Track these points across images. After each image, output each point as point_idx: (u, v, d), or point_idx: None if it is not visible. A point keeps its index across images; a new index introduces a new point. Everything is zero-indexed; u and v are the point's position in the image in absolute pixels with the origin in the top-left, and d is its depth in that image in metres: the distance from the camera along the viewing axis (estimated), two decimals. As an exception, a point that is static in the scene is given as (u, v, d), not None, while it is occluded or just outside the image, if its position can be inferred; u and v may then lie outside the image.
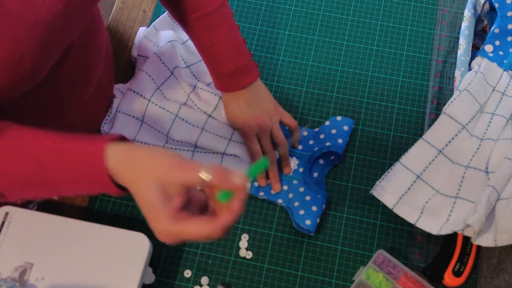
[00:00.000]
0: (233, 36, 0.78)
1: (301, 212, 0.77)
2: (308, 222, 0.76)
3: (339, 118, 0.85)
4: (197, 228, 0.52)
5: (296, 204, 0.78)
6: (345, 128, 0.83)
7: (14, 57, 0.54)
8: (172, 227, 0.51)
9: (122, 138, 0.58)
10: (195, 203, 0.56)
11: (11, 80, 0.55)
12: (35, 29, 0.54)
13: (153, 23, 0.92)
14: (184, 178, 0.52)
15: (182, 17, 0.77)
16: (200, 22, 0.76)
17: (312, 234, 0.78)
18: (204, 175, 0.51)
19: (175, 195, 0.52)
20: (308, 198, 0.78)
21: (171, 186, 0.52)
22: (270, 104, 0.83)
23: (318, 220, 0.77)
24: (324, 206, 0.78)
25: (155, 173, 0.52)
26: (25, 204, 0.79)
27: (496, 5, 0.88)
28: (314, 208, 0.77)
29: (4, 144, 0.56)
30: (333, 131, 0.83)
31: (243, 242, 0.79)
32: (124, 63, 0.92)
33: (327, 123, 0.84)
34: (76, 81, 0.71)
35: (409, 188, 0.77)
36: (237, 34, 0.79)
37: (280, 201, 0.80)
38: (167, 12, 0.92)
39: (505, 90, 0.84)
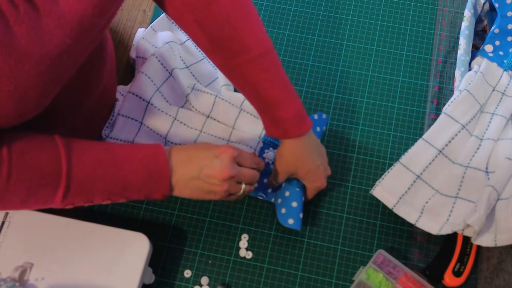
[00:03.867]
0: (287, 78, 0.72)
1: (283, 210, 0.76)
2: (290, 221, 0.75)
3: (315, 116, 0.82)
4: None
5: (279, 201, 0.77)
6: (318, 129, 0.81)
7: (19, 91, 0.54)
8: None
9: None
10: None
11: (16, 111, 0.56)
12: (40, 65, 0.54)
13: (151, 24, 0.92)
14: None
15: (229, 61, 0.68)
16: (255, 63, 0.67)
17: (299, 230, 0.78)
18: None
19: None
20: (287, 193, 0.76)
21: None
22: (322, 148, 0.78)
23: (301, 215, 0.75)
24: (303, 198, 0.76)
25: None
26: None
27: (496, 5, 0.88)
28: (294, 204, 0.75)
29: (98, 149, 0.63)
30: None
31: (243, 242, 0.79)
32: (124, 64, 0.92)
33: None
34: (82, 90, 0.71)
35: (409, 188, 0.77)
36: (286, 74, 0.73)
37: (272, 199, 0.80)
38: (165, 13, 0.92)
39: (505, 90, 0.84)
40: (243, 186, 0.69)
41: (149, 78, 0.84)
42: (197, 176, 0.66)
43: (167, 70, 0.86)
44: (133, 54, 0.90)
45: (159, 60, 0.85)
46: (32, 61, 0.54)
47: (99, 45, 0.72)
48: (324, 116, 0.82)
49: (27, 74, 0.54)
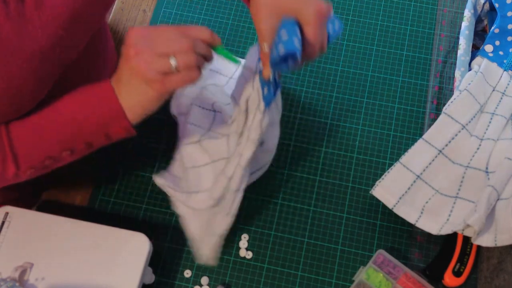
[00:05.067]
0: None
1: (281, 48, 0.60)
2: (281, 50, 0.60)
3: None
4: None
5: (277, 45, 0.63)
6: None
7: (13, 88, 0.54)
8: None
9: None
10: None
11: (11, 107, 0.57)
12: (33, 61, 0.54)
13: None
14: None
15: None
16: None
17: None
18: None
19: None
20: (283, 32, 0.61)
21: None
22: None
23: (296, 42, 0.60)
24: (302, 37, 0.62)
25: None
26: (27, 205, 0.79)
27: (496, 5, 0.88)
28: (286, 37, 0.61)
29: (42, 116, 0.60)
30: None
31: (243, 242, 0.79)
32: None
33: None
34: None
35: (409, 188, 0.77)
36: None
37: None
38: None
39: (505, 90, 0.84)
40: (172, 60, 0.57)
41: (196, 125, 0.81)
42: (126, 74, 0.59)
43: (208, 109, 0.82)
44: (174, 111, 0.84)
45: (199, 106, 0.82)
46: (24, 57, 0.53)
47: (100, 42, 0.72)
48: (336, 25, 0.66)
49: (19, 71, 0.54)
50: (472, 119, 0.80)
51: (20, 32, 0.52)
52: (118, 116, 0.60)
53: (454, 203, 0.76)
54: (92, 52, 0.71)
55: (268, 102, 0.68)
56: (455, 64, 0.88)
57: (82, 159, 0.83)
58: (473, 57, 0.87)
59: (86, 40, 0.63)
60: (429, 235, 0.76)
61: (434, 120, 0.84)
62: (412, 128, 0.86)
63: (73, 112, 0.60)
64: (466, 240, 0.76)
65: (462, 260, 0.75)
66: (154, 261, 0.77)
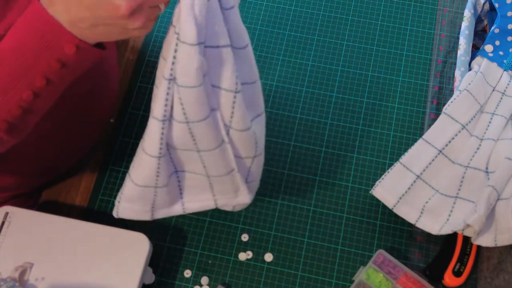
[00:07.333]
0: None
1: None
2: None
3: None
4: None
5: None
6: None
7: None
8: None
9: None
10: None
11: (10, 128, 0.58)
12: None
13: None
14: None
15: None
16: None
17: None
18: None
19: None
20: None
21: None
22: None
23: None
24: None
25: None
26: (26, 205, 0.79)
27: (496, 5, 0.88)
28: None
29: None
30: None
31: (243, 242, 0.79)
32: (124, 63, 0.92)
33: None
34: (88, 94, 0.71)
35: (409, 188, 0.77)
36: None
37: None
38: None
39: (505, 90, 0.84)
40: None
41: None
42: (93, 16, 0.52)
43: None
44: None
45: None
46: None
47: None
48: None
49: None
50: (472, 119, 0.80)
51: None
52: (55, 30, 0.53)
53: (454, 203, 0.76)
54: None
55: None
56: (455, 64, 0.88)
57: (82, 159, 0.84)
58: (473, 57, 0.87)
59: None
60: (429, 235, 0.76)
61: (434, 120, 0.84)
62: (412, 128, 0.86)
63: (11, 45, 0.55)
64: (466, 240, 0.76)
65: (462, 260, 0.75)
66: (154, 261, 0.77)
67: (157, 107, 0.55)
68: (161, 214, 0.70)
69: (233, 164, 0.63)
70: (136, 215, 0.68)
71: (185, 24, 0.50)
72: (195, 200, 0.70)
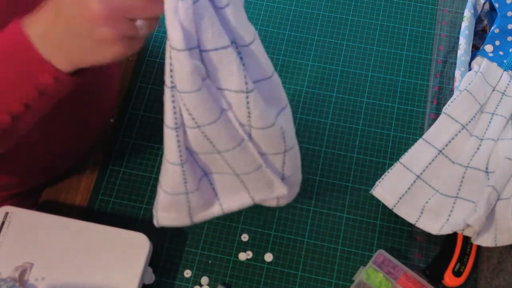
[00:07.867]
0: None
1: None
2: None
3: None
4: None
5: None
6: None
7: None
8: None
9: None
10: None
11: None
12: None
13: None
14: None
15: None
16: None
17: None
18: None
19: None
20: None
21: None
22: None
23: None
24: None
25: None
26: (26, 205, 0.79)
27: (496, 5, 0.88)
28: None
29: None
30: None
31: (243, 242, 0.79)
32: (124, 63, 0.92)
33: None
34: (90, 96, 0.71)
35: (409, 188, 0.77)
36: None
37: None
38: None
39: (505, 90, 0.84)
40: (139, 23, 0.50)
41: None
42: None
43: None
44: None
45: None
46: None
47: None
48: None
49: None
50: (472, 119, 0.80)
51: None
52: (34, 60, 0.51)
53: (454, 203, 0.76)
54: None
55: None
56: (455, 64, 0.88)
57: (82, 159, 0.84)
58: (473, 57, 0.87)
59: None
60: (429, 235, 0.76)
61: (434, 120, 0.84)
62: (412, 128, 0.86)
63: None
64: (466, 240, 0.76)
65: (462, 260, 0.75)
66: (154, 261, 0.77)
67: (168, 116, 0.54)
68: (200, 217, 0.69)
69: (259, 160, 0.61)
70: (175, 222, 0.67)
71: (170, 29, 0.48)
72: (232, 200, 0.69)
